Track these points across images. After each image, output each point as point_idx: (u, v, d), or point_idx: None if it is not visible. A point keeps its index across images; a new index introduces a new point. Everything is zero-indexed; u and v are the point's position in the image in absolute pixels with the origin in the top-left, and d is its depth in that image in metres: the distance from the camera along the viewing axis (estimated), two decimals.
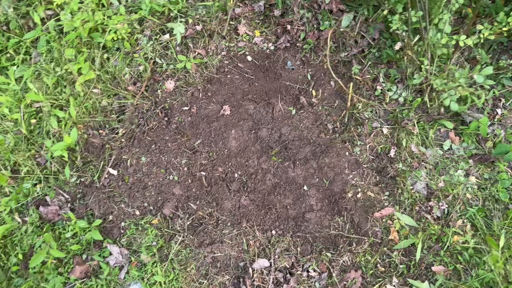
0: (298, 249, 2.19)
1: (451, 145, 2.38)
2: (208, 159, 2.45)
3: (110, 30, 2.59)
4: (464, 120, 2.42)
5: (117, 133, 2.50)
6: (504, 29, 2.17)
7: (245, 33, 2.79)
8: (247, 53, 2.76)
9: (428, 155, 2.36)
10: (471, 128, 2.34)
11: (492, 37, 2.20)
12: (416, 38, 2.31)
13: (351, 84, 2.47)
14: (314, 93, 2.60)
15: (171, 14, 2.81)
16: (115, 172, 2.40)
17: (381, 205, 2.26)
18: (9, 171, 2.42)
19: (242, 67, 2.72)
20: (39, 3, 2.83)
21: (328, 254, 2.16)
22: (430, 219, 2.20)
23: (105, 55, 2.67)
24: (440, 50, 2.32)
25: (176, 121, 2.55)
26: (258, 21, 2.84)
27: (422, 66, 2.32)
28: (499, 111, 2.45)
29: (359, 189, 2.31)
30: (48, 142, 2.40)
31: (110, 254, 2.20)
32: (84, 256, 2.21)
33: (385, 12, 2.43)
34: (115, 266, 2.18)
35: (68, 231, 2.25)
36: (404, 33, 2.34)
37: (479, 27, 2.18)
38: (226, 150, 2.47)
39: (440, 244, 2.14)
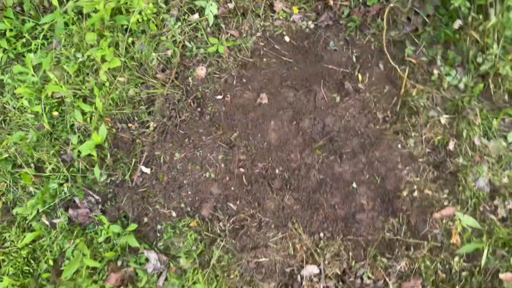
0: (350, 254, 2.02)
1: None
2: (247, 154, 2.24)
3: (134, 11, 2.34)
4: None
5: (148, 127, 2.29)
6: None
7: (282, 10, 2.52)
8: (284, 33, 2.49)
9: (490, 148, 2.13)
10: None
11: None
12: (481, 17, 2.03)
13: (406, 67, 2.21)
14: (360, 77, 2.35)
15: None
16: (148, 170, 2.21)
17: (440, 205, 2.06)
18: (32, 169, 2.25)
19: (279, 49, 2.47)
20: None
21: (384, 259, 1.99)
22: (495, 220, 2.00)
23: (130, 39, 2.43)
24: (509, 31, 2.04)
25: (210, 111, 2.33)
26: None
27: (490, 49, 2.05)
28: None
29: (415, 187, 2.10)
30: (74, 138, 2.22)
31: (147, 260, 2.05)
32: (119, 262, 2.06)
33: None
34: (153, 274, 2.03)
35: (100, 236, 2.10)
36: (466, 11, 2.06)
37: None
38: (265, 144, 2.26)
39: (506, 249, 1.95)
